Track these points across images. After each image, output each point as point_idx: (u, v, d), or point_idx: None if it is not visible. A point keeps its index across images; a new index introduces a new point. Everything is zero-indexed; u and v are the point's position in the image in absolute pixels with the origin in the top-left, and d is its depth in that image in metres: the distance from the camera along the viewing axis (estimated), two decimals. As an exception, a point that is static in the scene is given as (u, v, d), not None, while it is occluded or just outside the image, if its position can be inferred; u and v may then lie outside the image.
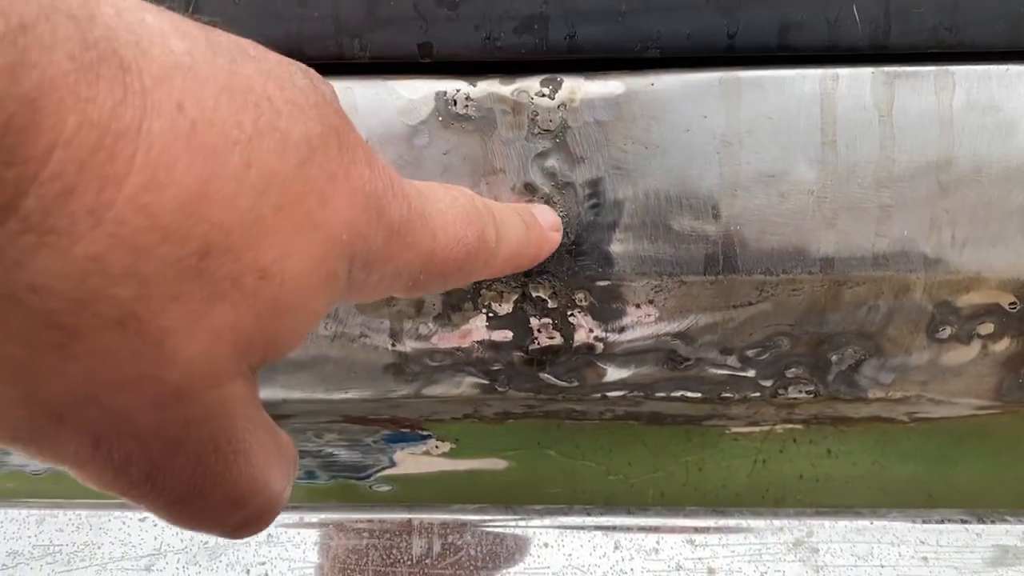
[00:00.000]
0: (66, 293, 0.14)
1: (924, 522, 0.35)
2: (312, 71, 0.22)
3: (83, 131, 0.14)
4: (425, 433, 0.39)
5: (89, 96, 0.14)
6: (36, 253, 0.14)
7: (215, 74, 0.17)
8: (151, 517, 0.35)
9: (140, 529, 0.35)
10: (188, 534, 0.35)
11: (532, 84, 0.30)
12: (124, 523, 0.35)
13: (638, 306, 0.32)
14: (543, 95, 0.30)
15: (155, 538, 0.35)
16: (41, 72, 0.14)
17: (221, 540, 0.34)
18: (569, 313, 0.32)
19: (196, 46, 0.17)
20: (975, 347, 0.33)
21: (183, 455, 0.17)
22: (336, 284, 0.20)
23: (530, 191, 0.30)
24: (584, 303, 0.32)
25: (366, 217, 0.20)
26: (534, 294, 0.32)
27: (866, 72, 0.30)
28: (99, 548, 0.35)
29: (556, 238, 0.30)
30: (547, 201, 0.31)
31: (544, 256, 0.30)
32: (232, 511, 0.19)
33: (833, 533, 0.35)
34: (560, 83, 0.30)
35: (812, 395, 0.35)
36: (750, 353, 0.33)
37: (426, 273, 0.23)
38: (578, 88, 0.30)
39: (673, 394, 0.35)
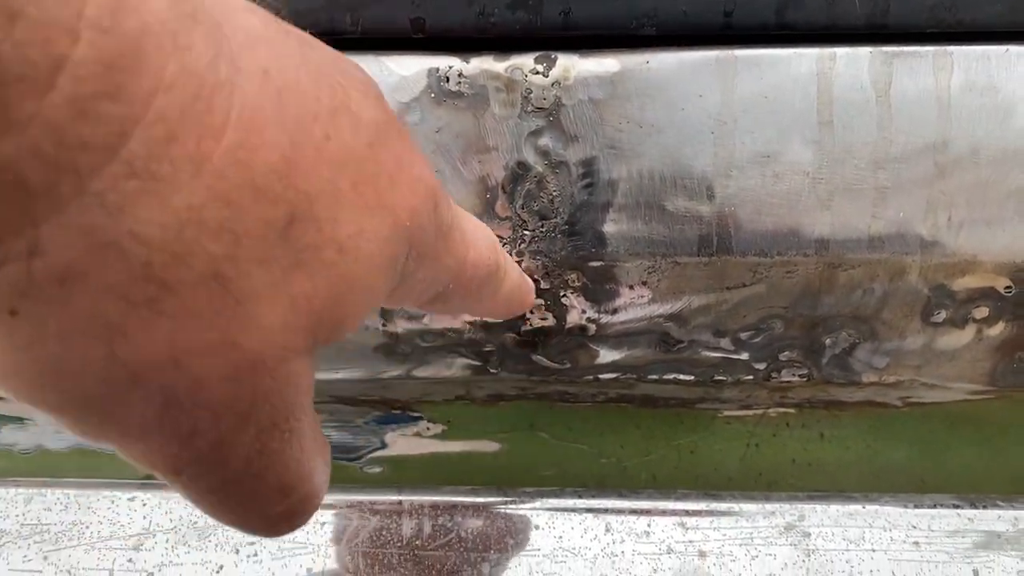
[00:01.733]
0: (164, 244, 0.14)
1: (916, 507, 0.35)
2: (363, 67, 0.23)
3: (183, 78, 0.14)
4: (416, 414, 0.39)
5: (186, 45, 0.14)
6: (138, 200, 0.14)
7: (290, 50, 0.18)
8: (140, 496, 0.35)
9: (129, 509, 0.35)
10: (177, 513, 0.35)
11: (526, 61, 0.30)
12: (113, 502, 0.35)
13: (631, 287, 0.32)
14: (537, 72, 0.29)
15: (144, 517, 0.35)
16: (140, 16, 0.14)
17: (209, 520, 0.34)
18: (561, 294, 0.32)
19: (269, 23, 0.18)
20: (970, 331, 0.33)
21: (249, 430, 0.17)
22: (396, 268, 0.20)
23: (523, 169, 0.30)
24: (577, 284, 0.32)
25: (425, 208, 0.20)
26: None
27: (864, 52, 0.29)
28: (87, 527, 0.35)
29: (532, 299, 0.32)
30: (540, 180, 0.30)
31: (526, 308, 0.31)
32: (279, 499, 0.18)
33: (825, 517, 0.34)
34: (554, 60, 0.30)
35: (805, 378, 0.35)
36: (743, 336, 0.33)
37: (455, 283, 0.24)
38: (572, 66, 0.29)
39: (666, 377, 0.35)
